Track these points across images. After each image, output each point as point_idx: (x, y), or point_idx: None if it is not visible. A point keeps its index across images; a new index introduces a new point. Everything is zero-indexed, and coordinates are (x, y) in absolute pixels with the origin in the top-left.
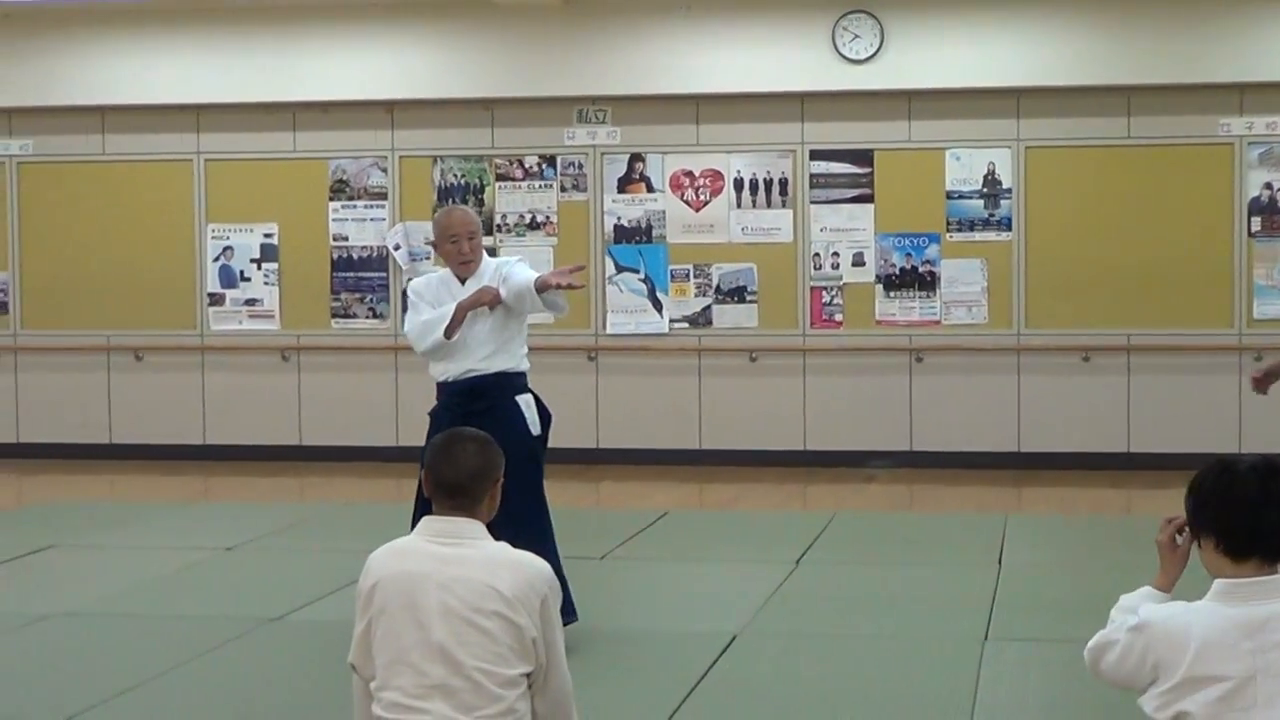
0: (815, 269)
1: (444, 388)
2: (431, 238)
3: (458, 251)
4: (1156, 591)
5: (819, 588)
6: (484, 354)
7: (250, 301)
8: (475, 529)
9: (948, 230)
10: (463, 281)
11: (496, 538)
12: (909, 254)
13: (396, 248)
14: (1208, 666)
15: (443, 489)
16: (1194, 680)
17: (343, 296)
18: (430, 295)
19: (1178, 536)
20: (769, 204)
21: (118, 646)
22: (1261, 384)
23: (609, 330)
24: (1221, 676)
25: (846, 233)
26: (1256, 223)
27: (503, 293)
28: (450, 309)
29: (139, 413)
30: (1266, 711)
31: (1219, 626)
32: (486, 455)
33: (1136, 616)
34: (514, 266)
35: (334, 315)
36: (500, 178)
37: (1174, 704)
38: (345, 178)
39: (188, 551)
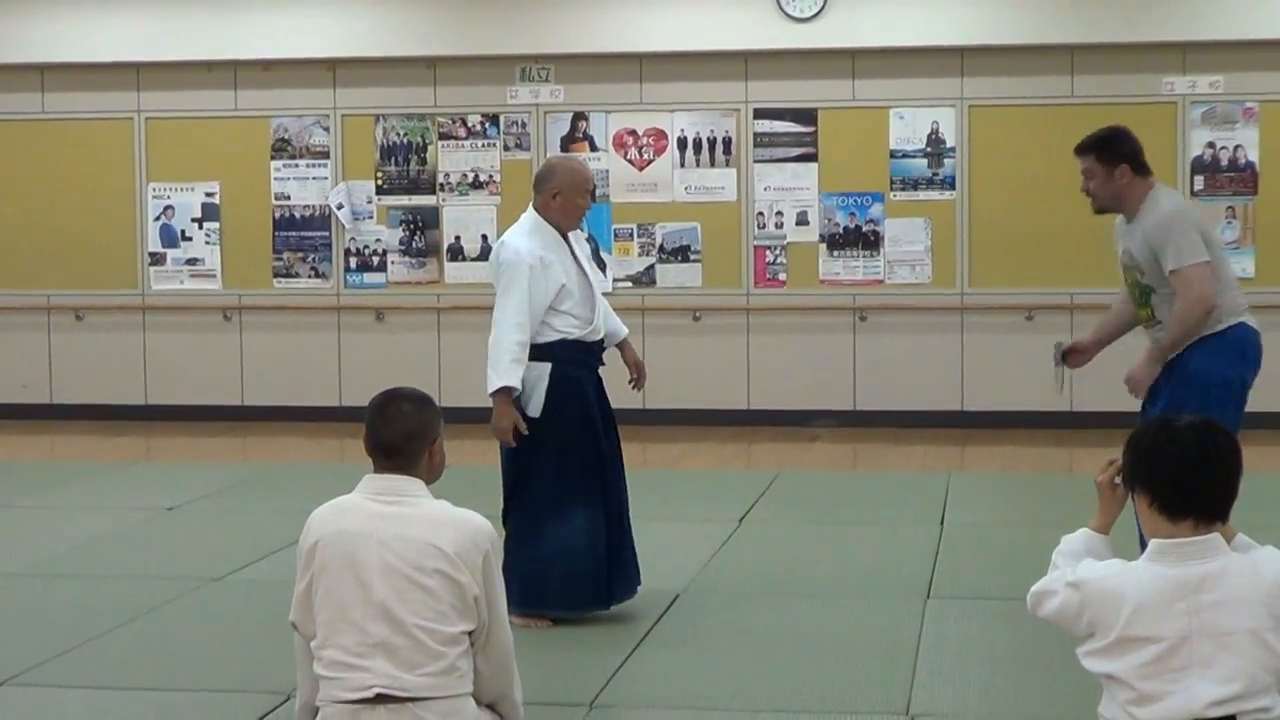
0: (759, 228)
1: (579, 346)
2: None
3: (586, 206)
4: (1095, 534)
5: (762, 546)
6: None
7: (191, 261)
8: (416, 487)
9: (891, 189)
10: (564, 236)
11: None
12: (853, 213)
13: (340, 207)
14: (1141, 627)
15: (380, 449)
16: (1127, 641)
17: (285, 256)
18: (549, 265)
19: (1117, 478)
20: (713, 163)
21: (59, 607)
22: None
23: None
24: (1155, 637)
25: (790, 192)
26: (1199, 182)
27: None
28: (515, 376)
29: (79, 373)
30: (1202, 671)
31: (1153, 587)
32: (422, 414)
33: (1074, 571)
34: (602, 274)
35: (276, 275)
36: (443, 136)
37: (1105, 664)
38: (287, 136)
39: (129, 512)
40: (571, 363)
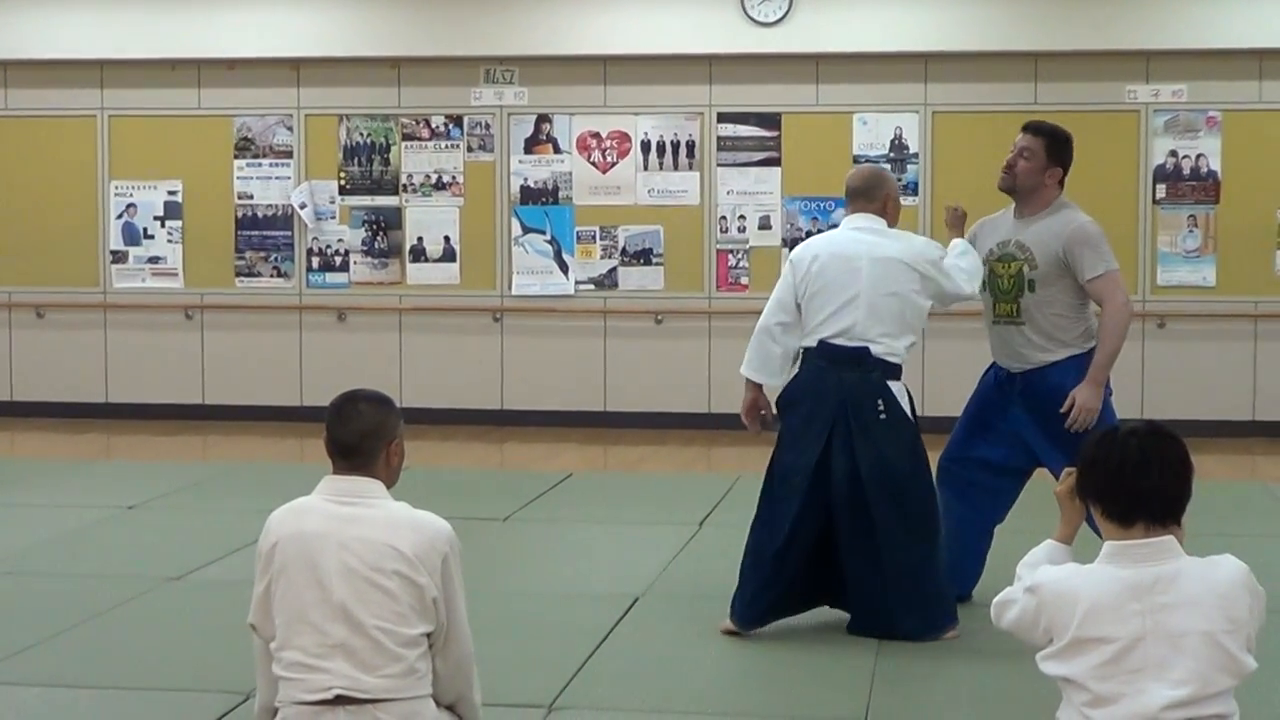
0: (722, 232)
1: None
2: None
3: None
4: (1059, 544)
5: (722, 549)
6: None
7: (154, 259)
8: (376, 488)
9: None
10: None
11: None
12: (815, 217)
13: (303, 206)
14: (1095, 628)
15: (337, 449)
16: (1082, 642)
17: (247, 255)
18: None
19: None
20: (676, 166)
21: (17, 604)
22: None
23: (514, 291)
24: (1109, 638)
25: (753, 196)
26: (1161, 190)
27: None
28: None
29: (40, 370)
30: (1158, 673)
31: (1107, 588)
32: (379, 414)
33: (1031, 577)
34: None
35: (238, 274)
36: (406, 137)
37: (1061, 667)
38: (250, 136)
39: (89, 510)
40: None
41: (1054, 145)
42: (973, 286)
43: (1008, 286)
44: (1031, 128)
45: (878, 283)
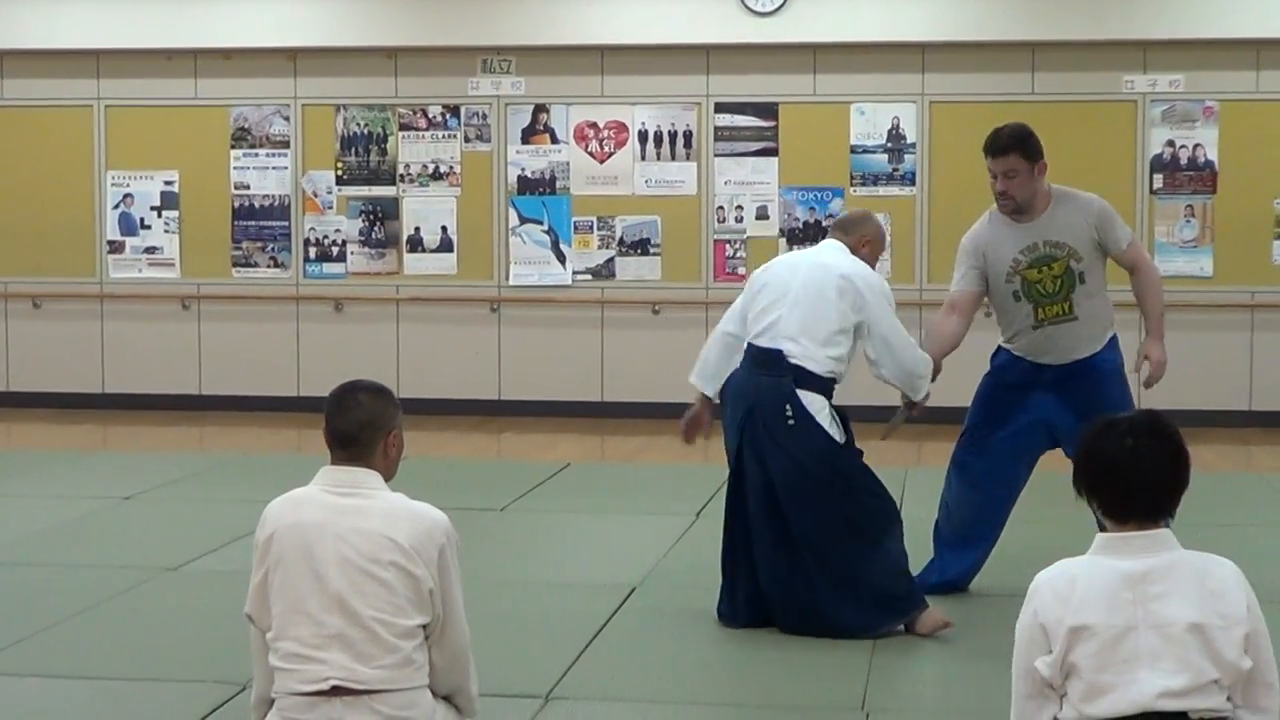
0: (719, 222)
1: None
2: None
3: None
4: None
5: (719, 540)
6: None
7: (150, 249)
8: (373, 479)
9: (851, 184)
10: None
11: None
12: (812, 208)
13: (315, 194)
14: (1088, 615)
15: (335, 439)
16: (1077, 630)
17: (244, 245)
18: None
19: None
20: (673, 156)
21: (13, 595)
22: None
23: (511, 281)
24: (1101, 625)
25: (750, 186)
26: (1158, 180)
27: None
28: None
29: (37, 361)
30: (1151, 663)
31: (1100, 576)
32: (378, 405)
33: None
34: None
35: (235, 264)
36: (404, 127)
37: (1063, 659)
38: (247, 125)
39: (85, 500)
40: None
41: (1025, 149)
42: (921, 358)
43: (1054, 288)
44: (998, 149)
45: (810, 284)
